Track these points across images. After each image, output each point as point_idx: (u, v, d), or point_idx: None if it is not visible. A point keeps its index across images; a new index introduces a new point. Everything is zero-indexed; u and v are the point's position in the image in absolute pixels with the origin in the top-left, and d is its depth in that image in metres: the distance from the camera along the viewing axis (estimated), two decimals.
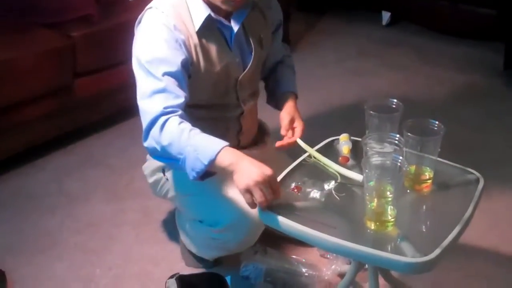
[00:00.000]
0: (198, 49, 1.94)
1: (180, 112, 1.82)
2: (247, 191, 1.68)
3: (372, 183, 1.68)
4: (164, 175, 2.18)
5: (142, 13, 1.97)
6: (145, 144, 1.85)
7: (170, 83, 1.83)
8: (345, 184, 1.88)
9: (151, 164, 2.24)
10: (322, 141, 2.09)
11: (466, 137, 3.22)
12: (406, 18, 4.68)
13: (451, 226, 1.66)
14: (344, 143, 2.05)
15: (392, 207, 1.68)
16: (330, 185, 1.86)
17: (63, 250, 2.48)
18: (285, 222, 1.71)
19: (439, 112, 3.45)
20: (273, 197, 1.70)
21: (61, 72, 2.96)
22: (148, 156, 2.27)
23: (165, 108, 1.80)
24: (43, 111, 2.96)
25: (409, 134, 1.81)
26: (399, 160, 1.70)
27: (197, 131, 1.79)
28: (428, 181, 1.85)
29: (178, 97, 1.83)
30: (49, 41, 2.93)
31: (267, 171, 1.70)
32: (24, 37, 2.91)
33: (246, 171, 1.69)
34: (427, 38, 4.46)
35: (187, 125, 1.79)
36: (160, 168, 2.19)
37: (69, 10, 3.01)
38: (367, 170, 1.67)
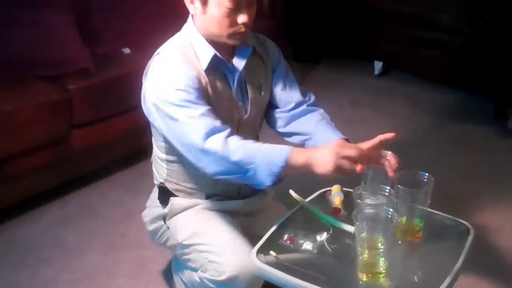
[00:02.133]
0: (209, 87, 1.96)
1: (229, 129, 1.86)
2: (336, 169, 1.77)
3: (363, 235, 1.71)
4: (165, 223, 2.20)
5: (150, 60, 2.01)
6: (206, 165, 1.87)
7: (206, 109, 1.86)
8: (337, 236, 1.90)
9: (151, 212, 2.26)
10: (314, 192, 2.12)
11: (458, 185, 3.25)
12: (398, 67, 4.75)
13: (441, 277, 1.69)
14: (336, 194, 2.08)
15: (383, 258, 1.70)
16: (322, 237, 1.89)
17: None
18: (278, 275, 1.74)
19: (430, 160, 3.50)
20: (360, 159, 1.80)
21: (57, 125, 2.99)
22: (148, 203, 2.29)
23: (213, 126, 1.84)
24: (39, 163, 2.98)
25: (399, 186, 1.85)
26: (390, 212, 1.73)
27: (259, 143, 1.87)
28: (419, 232, 1.87)
29: (217, 119, 1.87)
30: (46, 94, 2.97)
31: (336, 144, 1.85)
32: (21, 89, 2.95)
33: (322, 155, 1.79)
34: (419, 87, 4.53)
35: (245, 140, 1.85)
36: (161, 216, 2.20)
37: (66, 63, 3.06)
38: (358, 222, 1.70)
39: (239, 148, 1.82)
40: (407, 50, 4.46)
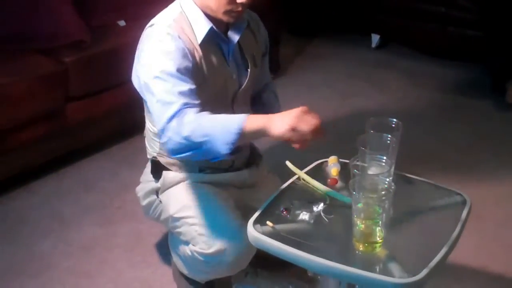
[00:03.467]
0: (203, 61, 1.96)
1: (200, 108, 1.84)
2: (292, 130, 1.75)
3: (360, 205, 1.71)
4: (158, 197, 2.20)
5: (144, 31, 2.00)
6: (164, 139, 1.84)
7: (188, 87, 1.85)
8: (333, 206, 1.90)
9: (145, 186, 2.25)
10: (311, 164, 2.12)
11: (456, 157, 3.27)
12: (395, 40, 4.72)
13: (438, 246, 1.69)
14: (332, 165, 2.07)
15: (380, 228, 1.70)
16: (318, 207, 1.88)
17: (54, 274, 2.49)
18: (274, 245, 1.74)
19: (428, 133, 3.51)
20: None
21: (53, 97, 2.98)
22: (142, 178, 2.29)
23: (185, 105, 1.82)
24: (35, 136, 2.97)
25: (371, 131, 1.90)
26: (387, 182, 1.72)
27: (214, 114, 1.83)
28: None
29: (196, 99, 1.86)
30: (42, 66, 2.95)
31: (299, 108, 1.81)
32: (17, 62, 2.94)
33: (282, 118, 1.77)
34: (416, 60, 4.50)
35: (205, 112, 1.83)
36: (154, 190, 2.20)
37: (61, 36, 3.04)
38: (354, 192, 1.70)
39: (192, 122, 1.79)
40: (404, 23, 4.43)
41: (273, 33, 3.99)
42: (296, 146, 1.81)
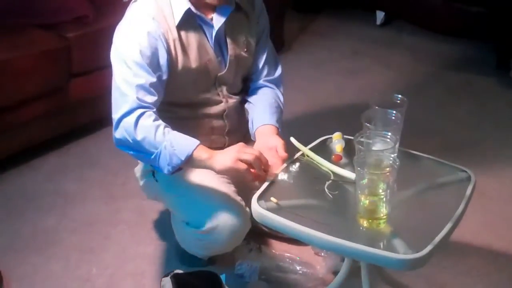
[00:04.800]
0: (177, 43, 1.96)
1: (154, 109, 1.90)
2: (236, 162, 1.81)
3: (364, 181, 1.70)
4: (154, 177, 2.19)
5: (129, 5, 2.02)
6: (116, 134, 1.93)
7: (147, 81, 1.89)
8: (338, 182, 1.89)
9: (142, 166, 2.26)
10: (316, 140, 2.11)
11: (460, 134, 3.25)
12: (400, 17, 4.69)
13: (443, 223, 1.68)
14: (337, 141, 2.06)
15: (384, 204, 1.69)
16: (323, 183, 1.88)
17: (59, 250, 2.50)
18: (278, 220, 1.73)
19: (433, 110, 3.50)
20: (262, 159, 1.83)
21: (56, 73, 2.96)
22: None
23: (140, 101, 1.87)
24: (38, 112, 2.96)
25: (376, 107, 1.88)
26: (391, 158, 1.71)
27: (170, 129, 1.89)
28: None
29: (154, 94, 1.91)
30: (44, 42, 2.93)
31: (239, 144, 1.87)
32: (19, 38, 2.91)
33: (224, 153, 1.86)
34: (422, 37, 4.47)
35: (161, 122, 1.88)
36: (150, 170, 2.20)
37: (64, 11, 3.01)
38: (359, 168, 1.69)
39: (146, 129, 1.85)
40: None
41: (277, 9, 3.98)
42: (248, 179, 1.85)
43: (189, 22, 1.98)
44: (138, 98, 1.87)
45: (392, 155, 1.71)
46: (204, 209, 2.04)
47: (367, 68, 4.09)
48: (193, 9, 1.96)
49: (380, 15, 4.75)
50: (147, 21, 1.92)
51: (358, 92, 3.73)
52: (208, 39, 2.04)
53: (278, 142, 1.98)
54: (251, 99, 2.21)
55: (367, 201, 1.70)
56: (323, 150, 2.07)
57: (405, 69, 4.08)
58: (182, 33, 1.98)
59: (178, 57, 1.98)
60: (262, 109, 2.15)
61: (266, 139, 2.02)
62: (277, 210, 1.77)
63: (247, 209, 2.00)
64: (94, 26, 3.04)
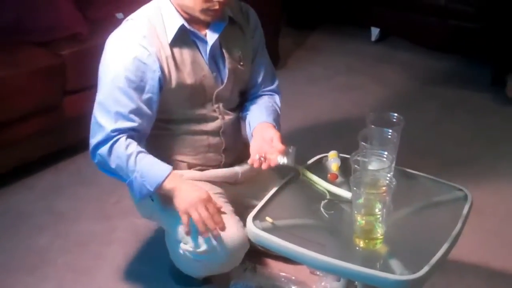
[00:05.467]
0: (170, 61, 1.96)
1: (129, 133, 1.93)
2: (185, 213, 1.90)
3: (360, 201, 1.69)
4: (150, 196, 2.17)
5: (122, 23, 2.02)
6: (94, 159, 2.00)
7: (127, 108, 1.92)
8: (333, 202, 1.88)
9: None
10: (311, 158, 2.10)
11: (456, 151, 3.24)
12: (395, 34, 4.69)
13: (439, 243, 1.68)
14: (332, 160, 2.05)
15: (380, 224, 1.68)
16: (319, 203, 1.87)
17: (51, 270, 2.47)
18: (274, 241, 1.72)
19: (428, 127, 3.49)
20: (211, 220, 1.89)
21: (50, 91, 2.95)
22: None
23: (114, 131, 1.92)
24: (33, 130, 2.95)
25: (372, 126, 1.89)
26: (388, 177, 1.70)
27: (142, 154, 1.93)
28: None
29: (133, 121, 1.94)
30: (39, 59, 2.92)
31: (203, 195, 1.92)
32: (14, 55, 2.90)
33: (185, 195, 1.91)
34: (416, 54, 4.47)
35: (133, 148, 1.92)
36: None
37: (58, 29, 3.01)
38: (355, 188, 1.67)
39: (120, 159, 1.92)
40: (404, 16, 4.39)
41: (272, 25, 3.98)
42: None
43: (182, 38, 1.98)
44: (113, 130, 1.91)
45: (389, 175, 1.70)
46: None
47: (362, 85, 4.09)
48: (186, 25, 1.96)
49: (375, 32, 4.75)
50: (135, 45, 1.91)
51: (353, 109, 3.72)
52: (202, 55, 2.03)
53: (274, 134, 1.99)
54: (248, 106, 2.21)
55: (363, 221, 1.69)
56: (319, 168, 2.07)
57: (400, 86, 4.07)
58: (175, 50, 1.97)
59: (172, 74, 1.97)
60: (258, 111, 2.16)
61: (262, 132, 2.03)
62: (273, 230, 1.77)
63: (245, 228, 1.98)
64: (89, 43, 3.03)
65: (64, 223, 2.74)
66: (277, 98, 2.27)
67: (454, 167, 3.04)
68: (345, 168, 1.99)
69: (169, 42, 1.95)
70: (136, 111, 1.93)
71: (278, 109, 2.22)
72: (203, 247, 1.98)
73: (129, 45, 1.93)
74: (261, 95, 2.24)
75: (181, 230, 2.02)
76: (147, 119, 1.97)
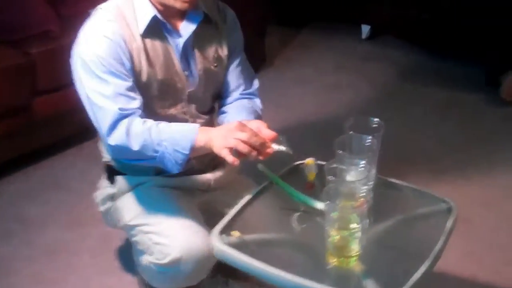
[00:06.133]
0: (142, 53, 1.83)
1: (139, 112, 1.78)
2: (224, 148, 1.69)
3: (334, 215, 1.56)
4: (114, 204, 2.05)
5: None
6: (112, 154, 1.87)
7: (122, 86, 1.76)
8: (308, 214, 1.75)
9: (102, 192, 2.11)
10: (295, 162, 1.97)
11: (446, 157, 3.12)
12: (386, 31, 4.58)
13: (420, 260, 1.55)
14: (309, 168, 1.92)
15: (356, 240, 1.56)
16: (292, 215, 1.74)
17: (16, 280, 2.35)
18: (240, 258, 1.59)
19: (418, 130, 3.38)
20: (253, 137, 1.69)
21: (19, 91, 2.84)
22: (100, 184, 2.13)
23: (122, 110, 1.74)
24: (1, 132, 2.83)
25: (351, 132, 1.76)
26: (364, 189, 1.58)
27: (163, 124, 1.77)
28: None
29: (134, 98, 1.79)
30: (7, 58, 2.80)
31: (232, 124, 1.73)
32: None
33: (218, 135, 1.72)
34: (408, 53, 4.36)
35: (151, 122, 1.76)
36: (110, 196, 2.06)
37: (28, 26, 2.89)
38: (328, 200, 1.55)
39: (140, 135, 1.74)
40: (395, 12, 4.32)
41: (258, 23, 3.86)
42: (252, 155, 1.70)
43: (155, 31, 1.85)
44: (120, 109, 1.74)
45: (365, 186, 1.57)
46: (166, 241, 1.89)
47: (351, 84, 3.97)
48: (159, 16, 1.83)
49: (365, 29, 4.64)
50: (110, 28, 1.78)
51: (340, 109, 3.60)
52: (174, 51, 1.90)
53: (260, 124, 1.82)
54: (225, 109, 2.07)
55: (337, 237, 1.57)
56: (295, 177, 1.93)
57: (390, 86, 3.96)
58: (148, 42, 1.84)
59: (143, 67, 1.84)
60: (236, 112, 2.01)
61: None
62: (239, 245, 1.63)
63: None
64: (60, 41, 2.89)
65: (32, 230, 2.62)
66: (257, 101, 2.13)
67: (443, 173, 2.92)
68: (324, 177, 1.85)
69: (141, 33, 1.82)
70: (133, 88, 1.79)
71: (259, 111, 2.09)
72: (167, 259, 1.85)
73: (102, 31, 1.79)
74: (239, 99, 2.10)
75: (146, 239, 1.91)
76: (140, 100, 1.82)
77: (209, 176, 2.07)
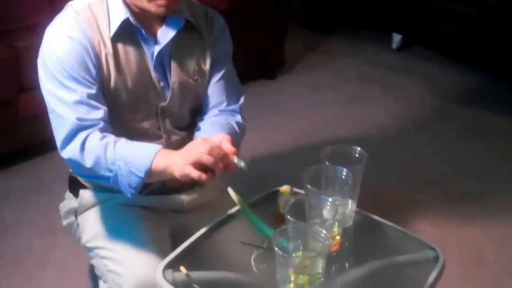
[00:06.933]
0: (110, 58, 1.63)
1: (101, 124, 1.60)
2: (187, 169, 1.48)
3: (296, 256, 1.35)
4: (76, 219, 1.86)
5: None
6: (70, 165, 1.68)
7: (84, 93, 1.58)
8: (271, 252, 1.52)
9: (66, 204, 1.94)
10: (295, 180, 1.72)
11: (461, 183, 2.87)
12: (418, 41, 4.34)
13: None
14: (283, 197, 1.70)
15: None
16: (252, 252, 1.52)
17: None
18: None
19: (436, 152, 3.12)
20: (218, 152, 1.50)
21: (4, 87, 2.69)
22: (66, 194, 1.96)
23: (80, 120, 1.57)
24: None
25: (327, 162, 1.57)
26: (323, 235, 1.35)
27: (122, 141, 1.58)
28: (337, 237, 1.52)
29: (97, 108, 1.60)
30: None
31: (193, 142, 1.55)
32: None
33: (180, 160, 1.51)
34: (439, 66, 4.10)
35: (110, 138, 1.57)
36: (73, 210, 1.88)
37: (14, 19, 2.75)
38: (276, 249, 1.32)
39: (94, 152, 1.56)
40: (428, 22, 4.06)
41: (277, 26, 3.65)
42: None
43: (128, 35, 1.65)
44: (78, 119, 1.57)
45: (323, 233, 1.34)
46: (123, 268, 1.68)
47: (372, 98, 3.73)
48: (132, 20, 1.63)
49: (396, 38, 4.40)
50: (78, 28, 1.60)
51: (357, 124, 3.37)
52: (149, 59, 1.70)
53: (223, 137, 1.61)
54: (200, 125, 1.85)
55: (291, 284, 1.35)
56: (268, 206, 1.71)
57: (414, 101, 3.71)
58: (120, 47, 1.64)
59: (111, 74, 1.64)
60: (207, 127, 1.79)
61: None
62: (184, 284, 1.42)
63: None
64: None
65: (3, 236, 2.46)
66: (238, 117, 1.90)
67: (456, 202, 2.66)
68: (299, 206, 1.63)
69: (111, 36, 1.63)
70: (96, 97, 1.61)
71: (236, 128, 1.86)
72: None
73: (66, 29, 1.62)
74: (217, 115, 1.88)
75: (101, 264, 1.73)
76: (105, 110, 1.64)
77: (183, 197, 1.87)
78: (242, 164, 1.54)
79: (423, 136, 3.24)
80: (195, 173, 1.47)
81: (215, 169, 1.49)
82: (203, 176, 1.48)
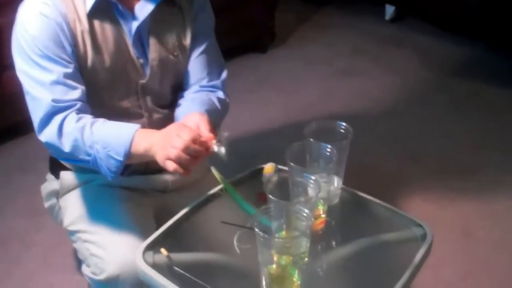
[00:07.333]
0: (86, 35, 1.57)
1: (78, 105, 1.54)
2: (165, 163, 1.45)
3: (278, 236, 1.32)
4: (58, 201, 1.81)
5: None
6: (42, 140, 1.57)
7: (60, 73, 1.53)
8: (254, 232, 1.48)
9: (48, 186, 1.88)
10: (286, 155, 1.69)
11: (456, 157, 2.81)
12: (412, 13, 4.25)
13: None
14: (267, 175, 1.65)
15: (297, 271, 1.29)
16: (234, 232, 1.48)
17: None
18: (160, 282, 1.33)
19: (430, 126, 3.06)
20: (193, 147, 1.44)
21: None
22: (47, 176, 1.90)
23: (56, 102, 1.51)
24: None
25: (311, 139, 1.51)
26: (305, 214, 1.30)
27: (99, 122, 1.53)
28: (322, 216, 1.48)
29: (74, 88, 1.55)
30: None
31: (170, 128, 1.49)
32: None
33: (159, 144, 1.47)
34: (433, 38, 4.02)
35: (87, 120, 1.53)
36: (55, 192, 1.84)
37: None
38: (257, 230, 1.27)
39: (71, 135, 1.51)
40: None
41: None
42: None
43: (104, 11, 1.59)
44: (54, 101, 1.51)
45: (305, 211, 1.29)
46: (105, 252, 1.64)
47: (365, 70, 3.66)
48: None
49: (389, 10, 4.32)
50: (45, 3, 1.54)
51: (349, 98, 3.31)
52: (127, 35, 1.64)
53: (199, 119, 1.55)
54: (180, 101, 1.79)
55: (273, 266, 1.30)
56: (252, 185, 1.66)
57: (408, 74, 3.64)
58: (96, 23, 1.58)
59: (88, 52, 1.58)
60: (188, 104, 1.74)
61: (184, 119, 1.59)
62: (165, 266, 1.38)
63: None
64: None
65: None
66: (220, 93, 1.84)
67: (450, 176, 2.62)
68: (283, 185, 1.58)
69: (87, 13, 1.57)
70: (72, 76, 1.55)
71: (217, 104, 1.80)
72: (103, 275, 1.60)
73: (38, 5, 1.54)
74: (198, 91, 1.83)
75: (83, 248, 1.68)
76: (82, 90, 1.59)
77: (167, 177, 1.82)
78: (223, 151, 1.49)
79: (417, 109, 3.18)
80: (171, 168, 1.44)
81: (192, 165, 1.44)
82: (179, 170, 1.44)
